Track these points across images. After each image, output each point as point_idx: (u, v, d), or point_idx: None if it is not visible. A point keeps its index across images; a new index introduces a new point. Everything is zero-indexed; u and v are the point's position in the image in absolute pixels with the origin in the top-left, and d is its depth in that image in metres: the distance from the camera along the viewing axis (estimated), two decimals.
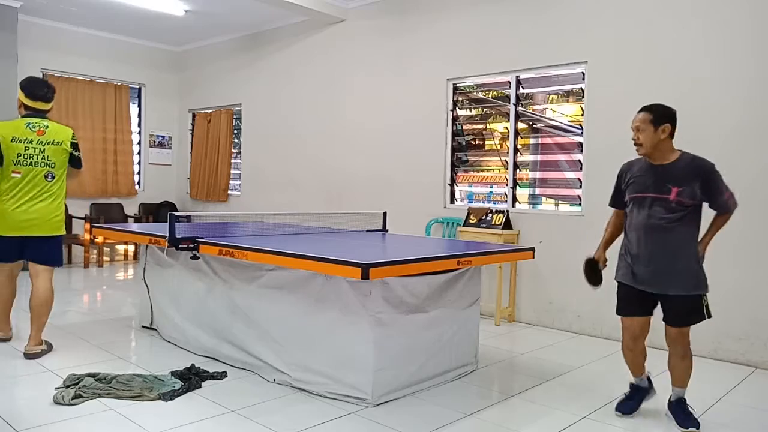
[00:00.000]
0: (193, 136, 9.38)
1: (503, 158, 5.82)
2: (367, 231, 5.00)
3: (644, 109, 3.00)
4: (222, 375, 3.60)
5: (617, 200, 3.22)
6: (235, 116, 8.71)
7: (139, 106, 9.28)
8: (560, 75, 5.43)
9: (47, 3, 7.26)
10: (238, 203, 8.52)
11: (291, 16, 7.38)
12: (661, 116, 2.95)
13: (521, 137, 5.73)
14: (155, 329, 4.62)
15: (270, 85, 8.03)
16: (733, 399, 3.56)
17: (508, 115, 5.73)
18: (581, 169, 5.22)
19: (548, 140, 5.58)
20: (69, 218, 7.90)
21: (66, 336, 4.45)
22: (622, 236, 3.19)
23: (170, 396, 3.20)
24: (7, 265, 4.11)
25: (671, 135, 2.97)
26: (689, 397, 3.10)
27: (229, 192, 8.76)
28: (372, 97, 6.77)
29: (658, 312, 3.05)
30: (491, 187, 5.98)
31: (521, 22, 5.51)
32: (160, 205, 9.16)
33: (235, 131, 8.74)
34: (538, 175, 5.63)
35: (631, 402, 3.21)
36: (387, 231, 5.02)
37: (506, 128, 5.79)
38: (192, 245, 3.72)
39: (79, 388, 3.20)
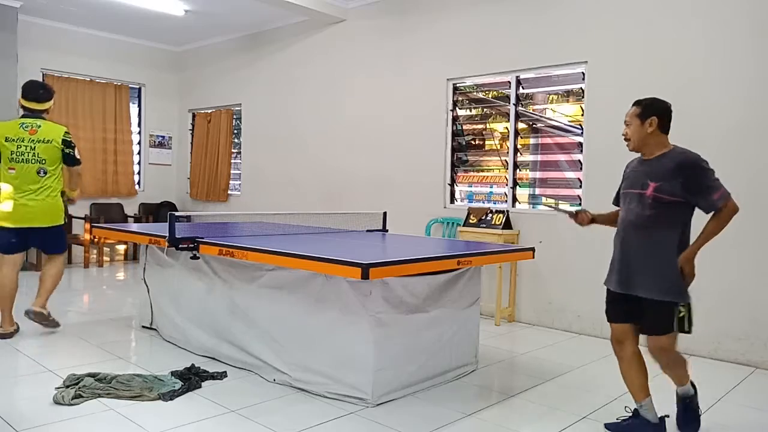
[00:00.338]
0: (193, 136, 9.38)
1: (503, 158, 5.82)
2: (367, 231, 5.00)
3: (634, 103, 2.87)
4: (222, 375, 3.60)
5: (617, 198, 3.14)
6: (235, 116, 8.71)
7: (139, 106, 9.27)
8: (560, 75, 5.43)
9: (47, 3, 7.26)
10: (238, 203, 8.52)
11: (291, 16, 7.38)
12: (647, 109, 2.80)
13: (521, 137, 5.73)
14: (155, 329, 4.62)
15: (270, 85, 8.03)
16: (733, 399, 3.56)
17: (508, 115, 5.73)
18: (581, 169, 5.23)
19: (548, 140, 5.58)
20: (69, 218, 7.89)
21: (66, 336, 4.45)
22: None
23: (170, 396, 3.20)
24: (10, 256, 4.36)
25: (661, 129, 2.80)
26: None
27: (229, 192, 8.77)
28: (372, 97, 6.77)
29: None
30: (491, 187, 5.98)
31: (521, 22, 5.52)
32: (160, 205, 9.16)
33: (235, 131, 8.74)
34: (538, 175, 5.63)
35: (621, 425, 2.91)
36: (387, 231, 5.02)
37: (506, 128, 5.79)
38: (192, 245, 3.72)
39: (79, 388, 3.20)
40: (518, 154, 5.72)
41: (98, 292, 6.64)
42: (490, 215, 5.50)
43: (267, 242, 3.69)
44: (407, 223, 6.04)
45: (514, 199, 5.73)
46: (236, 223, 5.70)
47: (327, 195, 7.22)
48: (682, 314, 2.67)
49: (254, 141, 8.30)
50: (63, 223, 4.51)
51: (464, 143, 6.13)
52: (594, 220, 3.17)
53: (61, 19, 8.01)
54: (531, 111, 5.72)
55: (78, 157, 4.49)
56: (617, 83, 4.92)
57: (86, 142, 8.37)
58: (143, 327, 4.76)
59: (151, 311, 4.68)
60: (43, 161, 4.31)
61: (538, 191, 5.64)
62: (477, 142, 6.11)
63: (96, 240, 7.93)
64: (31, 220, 4.30)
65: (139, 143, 9.28)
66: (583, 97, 5.22)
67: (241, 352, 3.78)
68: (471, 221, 5.61)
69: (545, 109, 5.69)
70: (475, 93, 6.15)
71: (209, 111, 9.03)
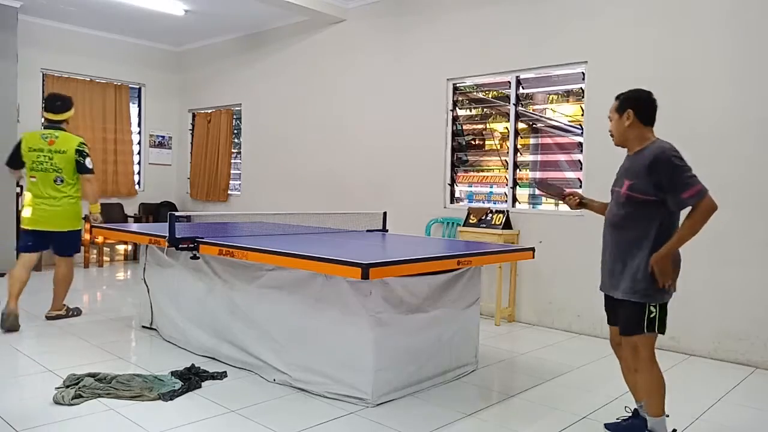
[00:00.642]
0: (193, 136, 9.38)
1: (503, 158, 5.82)
2: (367, 231, 5.00)
3: (615, 97, 2.76)
4: (222, 375, 3.60)
5: None
6: (235, 116, 8.71)
7: (139, 106, 9.27)
8: (560, 75, 5.43)
9: (47, 3, 7.26)
10: (238, 203, 8.52)
11: (291, 16, 7.38)
12: (623, 103, 2.69)
13: (521, 137, 5.73)
14: (155, 329, 4.62)
15: (270, 85, 8.03)
16: (733, 399, 3.55)
17: (508, 115, 5.73)
18: (581, 169, 5.23)
19: (548, 140, 5.58)
20: None
21: (66, 336, 4.45)
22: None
23: (170, 396, 3.20)
24: (26, 255, 4.72)
25: (642, 121, 2.66)
26: (688, 397, 3.08)
27: (229, 192, 8.76)
28: (372, 97, 6.77)
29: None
30: (491, 187, 5.98)
31: (521, 22, 5.51)
32: (160, 205, 9.16)
33: (235, 131, 8.74)
34: (538, 175, 5.63)
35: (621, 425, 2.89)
36: (387, 231, 5.02)
37: (506, 128, 5.79)
38: (192, 245, 3.72)
39: (79, 388, 3.20)
40: (518, 154, 5.72)
41: (98, 292, 6.65)
42: (490, 215, 5.50)
43: (267, 242, 3.69)
44: (407, 223, 6.04)
45: (514, 199, 5.73)
46: (236, 223, 5.70)
47: (327, 195, 7.22)
48: (653, 314, 2.58)
49: (254, 141, 8.30)
50: (80, 228, 4.87)
51: (464, 143, 6.13)
52: (583, 203, 3.11)
53: (61, 19, 8.01)
54: (531, 111, 5.72)
55: (90, 166, 4.78)
56: (617, 83, 4.88)
57: (86, 142, 8.34)
58: (143, 327, 4.76)
59: (151, 311, 4.68)
60: (60, 170, 4.66)
61: (538, 191, 5.64)
62: (477, 142, 6.11)
63: (96, 240, 7.92)
64: (49, 224, 4.66)
65: (139, 143, 9.28)
66: (583, 97, 5.22)
67: (241, 352, 3.78)
68: (471, 221, 5.61)
69: (545, 109, 5.69)
70: (475, 93, 6.15)
71: (209, 111, 9.03)
